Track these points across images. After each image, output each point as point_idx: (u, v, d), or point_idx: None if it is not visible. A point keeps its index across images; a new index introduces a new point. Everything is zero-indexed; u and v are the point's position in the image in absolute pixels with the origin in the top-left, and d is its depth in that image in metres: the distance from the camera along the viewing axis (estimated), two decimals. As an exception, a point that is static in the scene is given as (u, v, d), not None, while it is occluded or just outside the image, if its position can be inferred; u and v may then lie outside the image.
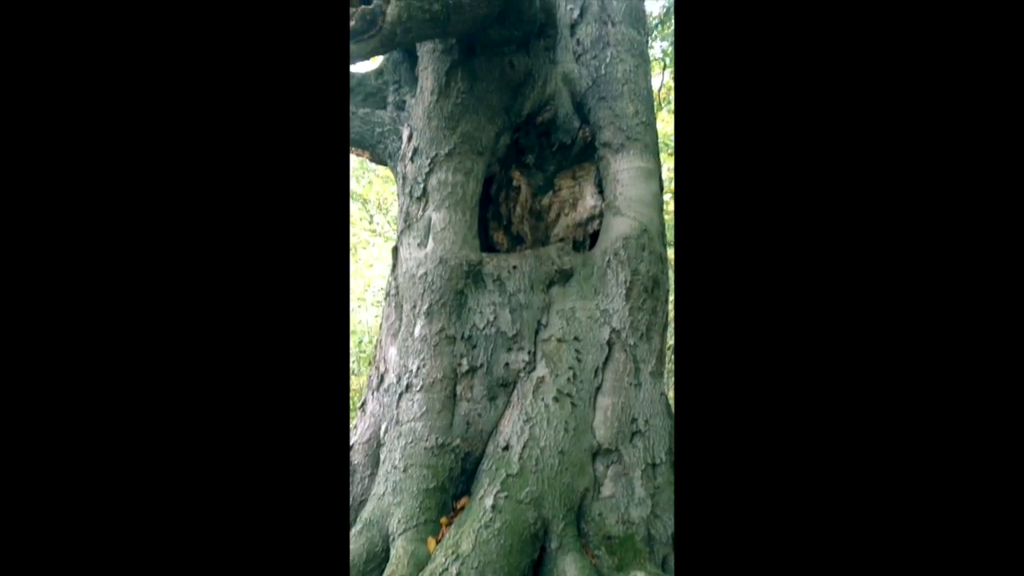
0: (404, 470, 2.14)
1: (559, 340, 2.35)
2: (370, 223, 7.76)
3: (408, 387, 2.27)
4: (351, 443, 2.37)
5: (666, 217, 2.87)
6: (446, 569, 1.85)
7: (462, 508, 2.13)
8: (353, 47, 1.63)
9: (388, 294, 2.54)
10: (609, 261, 2.46)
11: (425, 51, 2.35)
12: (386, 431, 2.28)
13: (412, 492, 2.10)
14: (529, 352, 2.34)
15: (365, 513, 2.14)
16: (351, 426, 2.44)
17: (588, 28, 2.83)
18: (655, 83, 4.51)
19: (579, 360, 2.34)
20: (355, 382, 5.85)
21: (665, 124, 5.77)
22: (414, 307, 2.34)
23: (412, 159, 2.46)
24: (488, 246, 2.63)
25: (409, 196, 2.46)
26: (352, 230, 7.39)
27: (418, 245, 2.39)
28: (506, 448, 2.18)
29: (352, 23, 1.59)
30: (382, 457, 2.25)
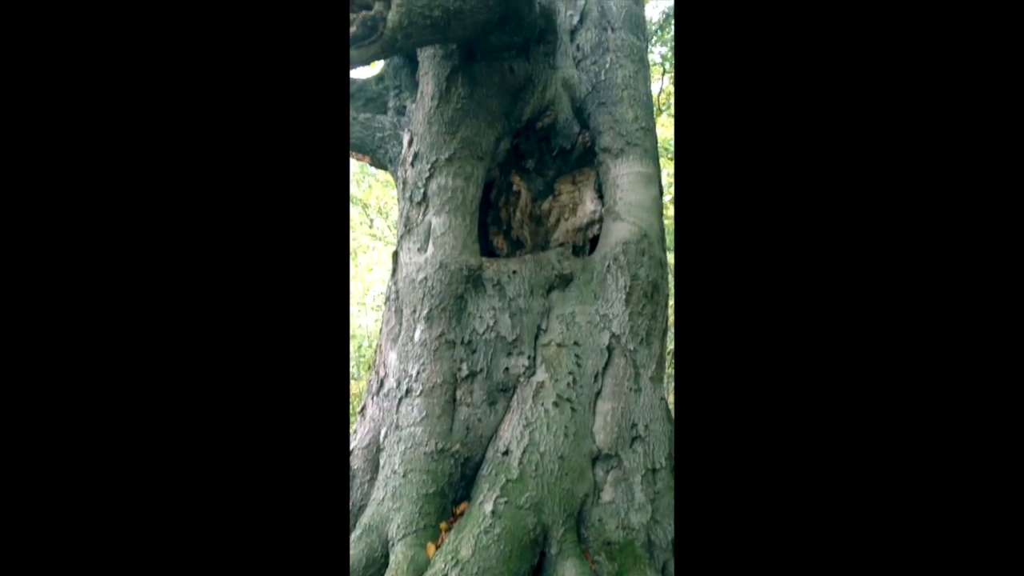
0: (404, 475, 2.14)
1: (559, 345, 2.35)
2: (370, 227, 7.78)
3: (408, 392, 2.27)
4: (351, 448, 2.36)
5: (666, 222, 2.87)
6: (446, 575, 1.85)
7: (462, 513, 2.12)
8: (354, 53, 1.64)
9: (388, 298, 2.54)
10: (609, 266, 2.47)
11: (426, 56, 2.36)
12: (386, 436, 2.28)
13: (412, 497, 2.09)
14: (529, 357, 2.34)
15: (365, 518, 2.13)
16: (351, 431, 2.44)
17: (588, 34, 2.84)
18: (654, 88, 4.52)
19: (579, 365, 2.33)
20: (355, 386, 5.84)
21: (665, 129, 5.78)
22: (414, 312, 2.34)
23: (412, 164, 2.46)
24: (488, 251, 2.64)
25: (409, 201, 2.47)
26: (352, 234, 7.39)
27: (418, 250, 2.40)
28: (506, 453, 2.17)
29: (353, 29, 1.60)
30: (382, 462, 2.25)
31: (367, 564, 2.01)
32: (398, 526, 2.04)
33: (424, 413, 2.22)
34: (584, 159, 2.71)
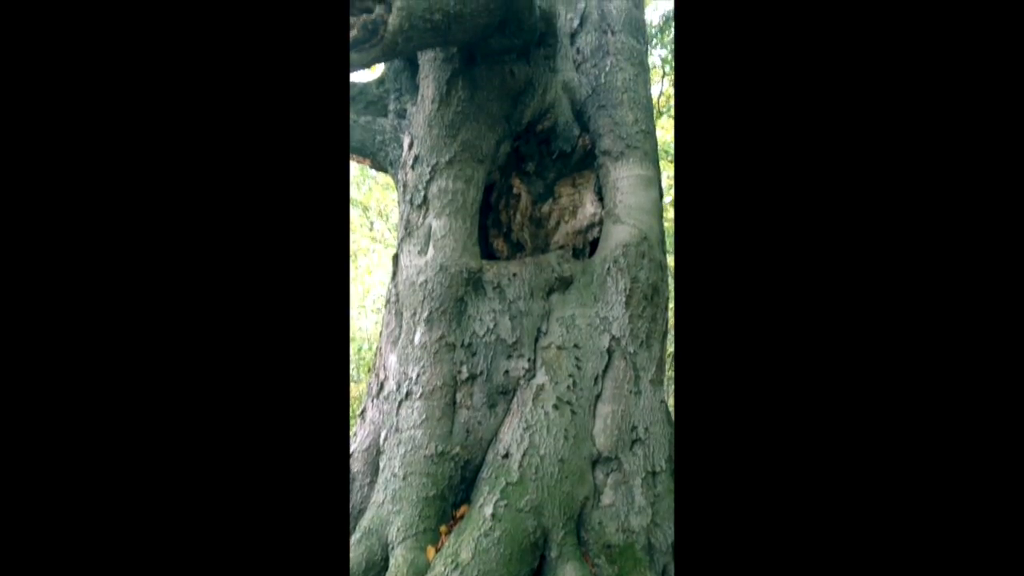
0: (404, 478, 2.14)
1: (559, 347, 2.35)
2: (370, 230, 7.78)
3: (408, 394, 2.27)
4: (351, 451, 2.36)
5: (666, 224, 2.88)
6: (445, 578, 1.85)
7: (462, 516, 2.12)
8: (354, 56, 1.64)
9: (388, 301, 2.54)
10: (609, 269, 2.47)
11: (426, 60, 2.36)
12: (386, 439, 2.28)
13: (411, 500, 2.09)
14: (529, 359, 2.34)
15: (364, 521, 2.13)
16: (351, 433, 2.43)
17: (588, 37, 2.85)
18: (654, 91, 4.52)
19: (579, 368, 2.33)
20: (355, 389, 5.83)
21: (665, 132, 5.79)
22: (414, 314, 2.34)
23: (413, 167, 2.47)
24: (488, 253, 2.64)
25: (410, 203, 2.47)
26: (352, 237, 7.40)
27: (418, 252, 2.40)
28: (506, 456, 2.17)
29: (353, 32, 1.60)
30: (381, 465, 2.25)
31: (367, 567, 2.01)
32: (398, 529, 2.04)
33: (424, 416, 2.22)
34: (584, 162, 2.72)
